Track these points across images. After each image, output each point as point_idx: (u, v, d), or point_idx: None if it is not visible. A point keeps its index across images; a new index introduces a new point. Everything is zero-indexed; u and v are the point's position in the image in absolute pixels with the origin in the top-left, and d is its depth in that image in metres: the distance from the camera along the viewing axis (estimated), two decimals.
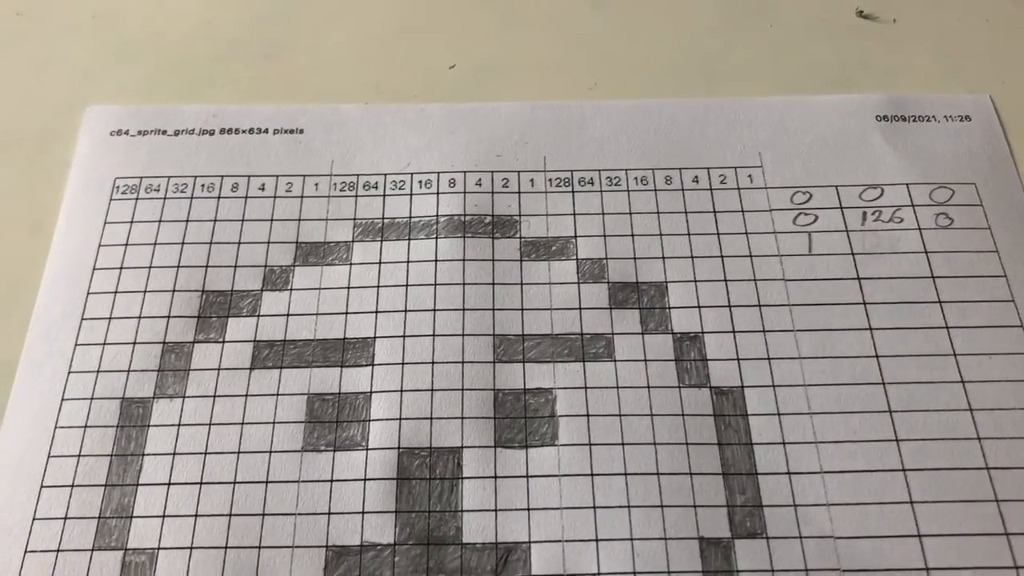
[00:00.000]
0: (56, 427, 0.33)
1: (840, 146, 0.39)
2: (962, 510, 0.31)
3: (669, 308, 0.35)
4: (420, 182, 0.38)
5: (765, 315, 0.35)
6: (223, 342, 0.35)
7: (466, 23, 0.44)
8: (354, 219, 0.38)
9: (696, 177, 0.38)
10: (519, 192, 0.38)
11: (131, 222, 0.37)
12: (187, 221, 0.38)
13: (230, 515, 0.31)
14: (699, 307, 0.35)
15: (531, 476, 0.32)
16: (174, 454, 0.32)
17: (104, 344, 0.35)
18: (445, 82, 0.42)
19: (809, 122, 0.40)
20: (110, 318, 0.35)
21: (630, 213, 0.38)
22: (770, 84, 0.42)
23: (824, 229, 0.37)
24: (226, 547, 0.31)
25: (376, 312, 0.35)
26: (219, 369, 0.34)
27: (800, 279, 0.36)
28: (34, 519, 0.31)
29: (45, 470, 0.32)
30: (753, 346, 0.34)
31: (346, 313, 0.35)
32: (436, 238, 0.37)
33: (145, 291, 0.36)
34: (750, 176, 0.38)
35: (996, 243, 0.36)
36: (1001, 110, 0.40)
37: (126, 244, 0.37)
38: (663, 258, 0.36)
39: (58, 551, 0.31)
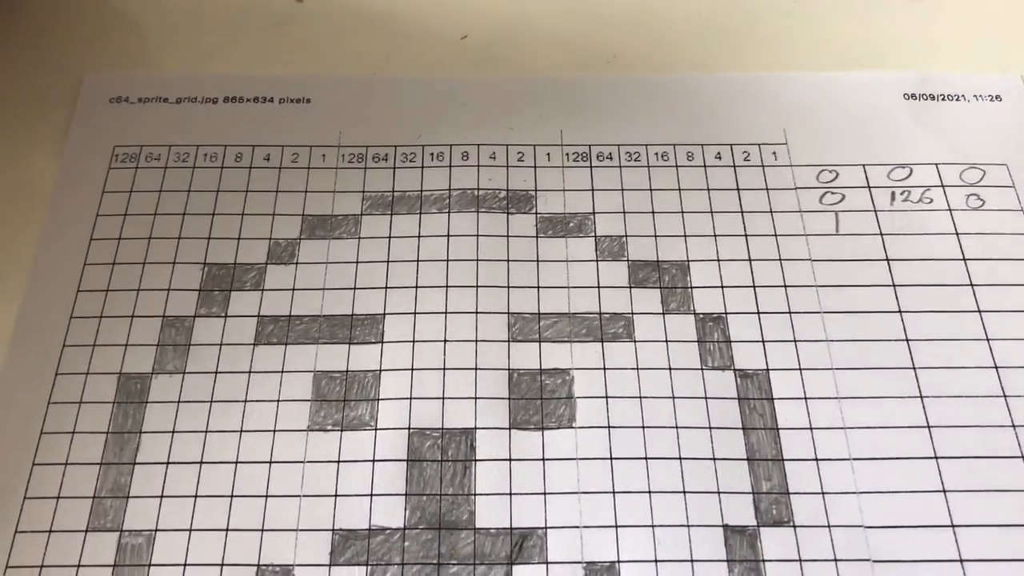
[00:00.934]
0: (49, 403, 0.31)
1: (867, 124, 0.38)
2: (997, 500, 0.30)
3: (691, 287, 0.34)
4: (432, 154, 0.37)
5: (791, 296, 0.34)
6: (225, 316, 0.33)
7: None
8: (363, 192, 0.36)
9: (719, 153, 0.37)
10: (535, 167, 0.37)
11: (130, 191, 0.36)
12: (189, 191, 0.36)
13: (231, 496, 0.30)
14: (722, 287, 0.34)
15: (547, 459, 0.30)
16: (173, 432, 0.31)
17: (101, 317, 0.33)
18: (457, 53, 0.41)
19: (835, 99, 0.39)
20: (107, 290, 0.34)
21: (650, 190, 0.36)
22: (795, 60, 0.40)
23: (851, 209, 0.36)
24: (227, 529, 0.29)
25: (386, 288, 0.34)
26: (221, 344, 0.33)
27: (827, 259, 0.34)
28: (25, 498, 0.30)
29: (37, 447, 0.31)
30: (779, 328, 0.33)
31: (354, 288, 0.34)
32: (448, 212, 0.35)
33: (144, 263, 0.34)
34: (774, 153, 0.37)
35: None
36: None
37: (125, 214, 0.35)
38: (685, 236, 0.35)
39: (50, 532, 0.29)
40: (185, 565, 0.29)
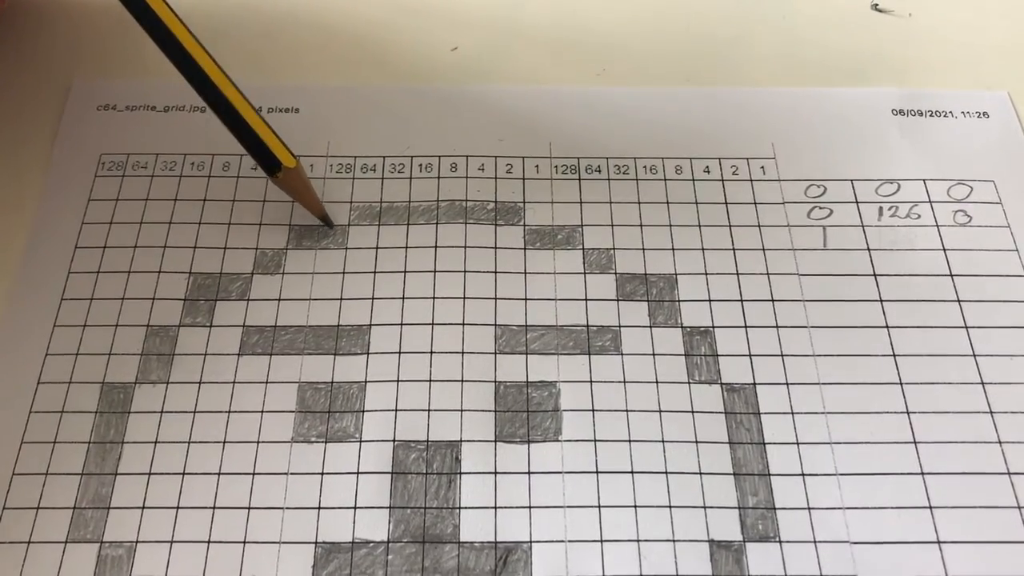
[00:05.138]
0: (31, 412, 0.31)
1: (855, 140, 0.38)
2: (983, 516, 0.30)
3: (679, 301, 0.34)
4: (420, 165, 0.37)
5: (778, 310, 0.34)
6: (210, 326, 0.33)
7: (469, 4, 0.43)
8: (351, 202, 0.36)
9: (707, 167, 0.37)
10: (523, 178, 0.37)
11: (116, 200, 0.36)
12: (175, 200, 0.36)
13: (214, 508, 0.30)
14: (710, 301, 0.34)
15: (533, 472, 0.30)
16: (156, 442, 0.31)
17: (84, 326, 0.33)
18: (446, 64, 0.41)
19: (823, 114, 0.39)
20: (91, 299, 0.33)
21: (639, 203, 0.36)
22: (783, 75, 0.40)
23: (839, 224, 0.36)
24: (209, 541, 0.29)
25: (372, 299, 0.34)
26: (205, 354, 0.32)
27: (815, 274, 0.34)
28: (4, 508, 0.29)
29: (17, 457, 0.30)
30: (766, 342, 0.33)
31: (340, 299, 0.34)
32: (436, 223, 0.35)
33: (129, 271, 0.34)
34: (763, 168, 0.37)
35: (1016, 242, 0.35)
36: (1020, 107, 0.39)
37: (111, 222, 0.35)
38: (673, 250, 0.35)
39: (29, 543, 0.29)
40: None
